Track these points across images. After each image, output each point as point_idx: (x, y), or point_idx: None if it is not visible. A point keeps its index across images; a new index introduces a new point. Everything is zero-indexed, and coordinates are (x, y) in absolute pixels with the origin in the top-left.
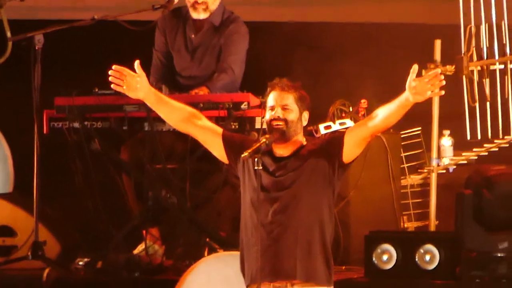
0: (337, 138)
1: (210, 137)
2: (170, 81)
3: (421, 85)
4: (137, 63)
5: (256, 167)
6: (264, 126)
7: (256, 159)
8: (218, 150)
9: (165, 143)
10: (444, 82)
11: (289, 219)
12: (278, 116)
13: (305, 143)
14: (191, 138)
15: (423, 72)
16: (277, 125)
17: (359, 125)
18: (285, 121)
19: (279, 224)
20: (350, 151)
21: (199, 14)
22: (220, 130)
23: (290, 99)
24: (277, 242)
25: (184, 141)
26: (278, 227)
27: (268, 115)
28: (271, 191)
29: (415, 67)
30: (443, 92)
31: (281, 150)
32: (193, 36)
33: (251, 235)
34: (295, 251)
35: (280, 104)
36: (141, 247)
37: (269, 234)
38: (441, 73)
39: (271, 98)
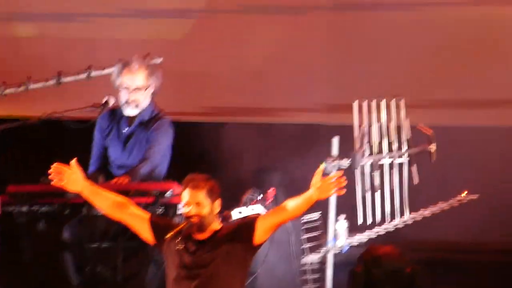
0: (249, 223)
1: (139, 223)
2: (105, 170)
3: (325, 185)
4: (73, 161)
5: (177, 247)
6: None
7: (177, 240)
8: (145, 233)
9: (100, 225)
10: (345, 183)
11: None
12: (194, 213)
13: (219, 227)
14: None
15: (321, 164)
16: (193, 220)
17: (270, 214)
18: (199, 216)
19: None
20: (261, 235)
21: (130, 111)
22: (147, 215)
23: (201, 196)
24: None
25: (117, 223)
26: None
27: (184, 210)
28: (192, 269)
29: (321, 168)
30: (344, 191)
31: (199, 236)
32: (125, 129)
33: None
34: None
35: (193, 202)
36: None
37: None
38: (338, 168)
39: (186, 195)
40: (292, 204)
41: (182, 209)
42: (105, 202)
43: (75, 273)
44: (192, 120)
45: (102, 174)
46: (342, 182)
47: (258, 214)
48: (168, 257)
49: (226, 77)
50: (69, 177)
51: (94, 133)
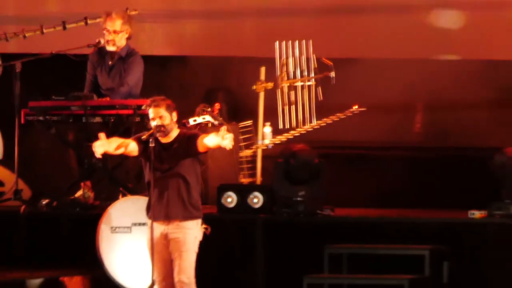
0: (193, 137)
1: (133, 147)
2: (96, 91)
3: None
4: (102, 135)
5: (151, 145)
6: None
7: (150, 140)
8: (134, 151)
9: (95, 129)
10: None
11: (171, 180)
12: (158, 124)
13: (177, 132)
14: (111, 125)
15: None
16: (159, 129)
17: (202, 140)
18: (163, 125)
19: (165, 183)
20: (201, 149)
21: (110, 47)
22: (133, 140)
23: (162, 111)
24: (163, 194)
25: (107, 127)
26: (164, 185)
27: (152, 123)
28: (162, 164)
29: (224, 128)
30: (231, 145)
31: (164, 140)
32: (109, 62)
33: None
34: (174, 200)
35: (156, 116)
36: (79, 193)
37: (160, 189)
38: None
39: (151, 112)
40: (208, 139)
41: (151, 123)
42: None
43: (76, 164)
44: (159, 54)
45: (93, 93)
46: (228, 137)
47: (207, 124)
48: (144, 159)
49: None
50: (102, 146)
51: (87, 64)
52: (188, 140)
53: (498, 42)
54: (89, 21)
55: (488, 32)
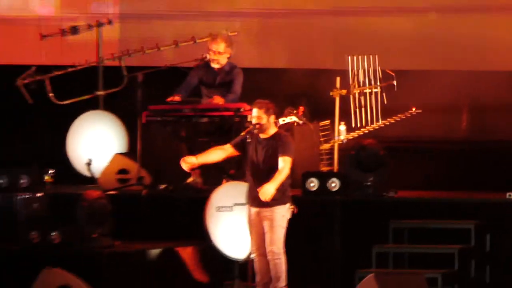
0: (281, 146)
1: (231, 151)
2: (193, 95)
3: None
4: (192, 159)
5: (248, 140)
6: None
7: (247, 136)
8: (235, 153)
9: (203, 127)
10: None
11: (265, 170)
12: (255, 122)
13: (275, 131)
14: (216, 122)
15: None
16: (255, 126)
17: (280, 155)
18: (259, 124)
19: (261, 172)
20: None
21: (214, 65)
22: (228, 145)
23: (261, 112)
24: (259, 182)
25: (211, 125)
26: (260, 174)
27: (253, 120)
28: (259, 157)
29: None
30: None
31: (263, 135)
32: (217, 77)
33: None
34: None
35: (255, 115)
36: (191, 179)
37: (256, 177)
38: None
39: (253, 111)
40: (279, 161)
41: (252, 120)
42: (212, 157)
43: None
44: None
45: (182, 95)
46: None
47: (293, 123)
48: (244, 152)
49: None
50: (186, 164)
51: (190, 73)
52: (279, 141)
53: None
54: (197, 41)
55: None
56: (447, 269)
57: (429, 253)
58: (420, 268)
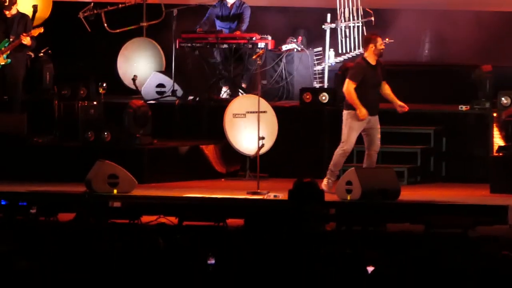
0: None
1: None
2: (214, 27)
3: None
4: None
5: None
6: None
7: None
8: None
9: (224, 52)
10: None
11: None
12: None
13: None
14: (233, 50)
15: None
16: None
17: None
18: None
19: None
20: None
21: (229, 0)
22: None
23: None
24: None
25: (229, 50)
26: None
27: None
28: (373, 79)
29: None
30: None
31: (373, 62)
32: (228, 11)
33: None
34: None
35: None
36: (223, 91)
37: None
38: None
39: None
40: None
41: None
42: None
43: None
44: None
45: (203, 28)
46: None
47: (294, 49)
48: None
49: None
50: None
51: (209, 10)
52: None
53: None
54: None
55: None
56: (412, 165)
57: (397, 152)
58: (391, 164)
